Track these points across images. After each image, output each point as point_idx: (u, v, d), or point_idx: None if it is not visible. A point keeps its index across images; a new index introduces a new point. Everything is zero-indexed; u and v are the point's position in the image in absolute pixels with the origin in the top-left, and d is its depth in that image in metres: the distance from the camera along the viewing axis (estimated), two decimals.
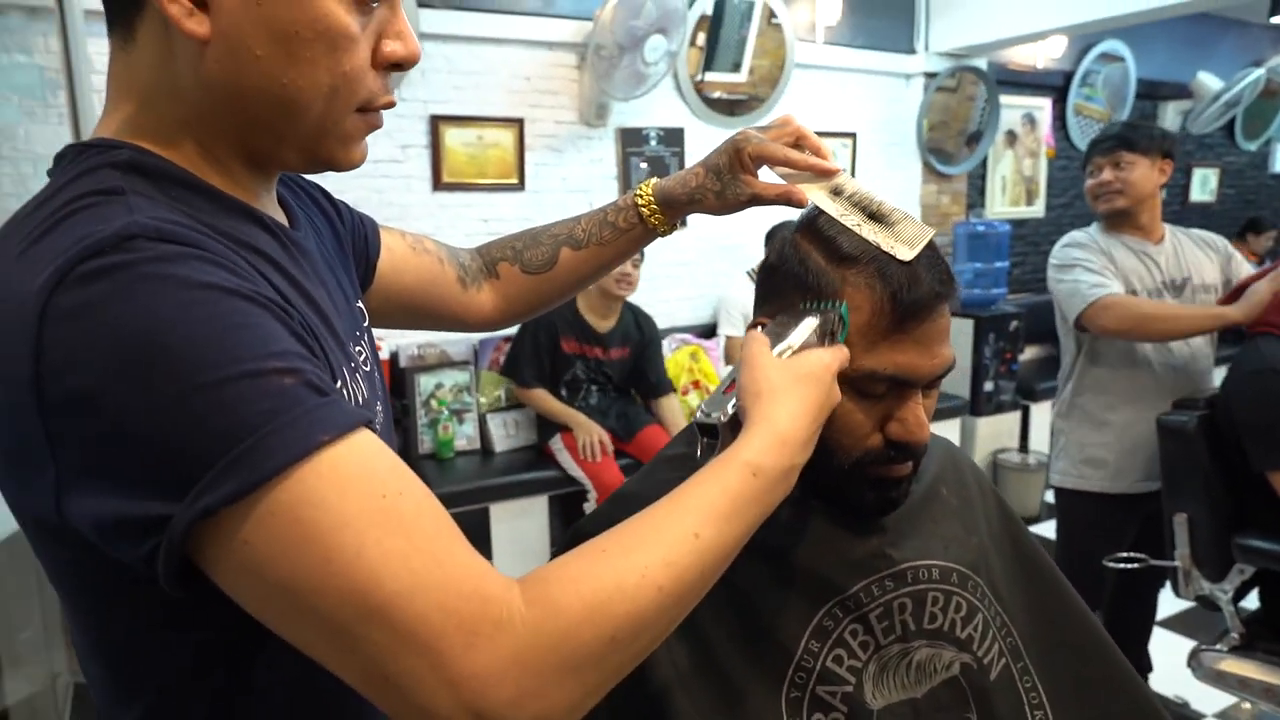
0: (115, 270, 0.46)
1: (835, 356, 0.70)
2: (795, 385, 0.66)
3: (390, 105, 0.61)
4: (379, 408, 0.72)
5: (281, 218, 0.66)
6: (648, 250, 3.61)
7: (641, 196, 0.95)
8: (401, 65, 0.60)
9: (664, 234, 0.98)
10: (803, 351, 0.71)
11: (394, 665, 0.45)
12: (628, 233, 0.97)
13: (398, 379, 3.12)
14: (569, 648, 0.48)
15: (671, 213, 0.96)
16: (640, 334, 3.11)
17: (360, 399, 0.64)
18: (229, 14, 0.52)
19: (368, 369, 0.71)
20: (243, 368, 0.46)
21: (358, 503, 0.46)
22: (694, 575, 0.54)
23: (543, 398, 3.00)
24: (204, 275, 0.48)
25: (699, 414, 0.71)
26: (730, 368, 0.74)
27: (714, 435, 0.69)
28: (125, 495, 0.46)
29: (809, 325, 0.73)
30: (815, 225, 0.80)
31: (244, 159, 0.60)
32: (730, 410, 0.68)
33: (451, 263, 0.96)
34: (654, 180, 0.97)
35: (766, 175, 0.90)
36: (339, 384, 0.58)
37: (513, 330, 3.32)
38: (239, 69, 0.54)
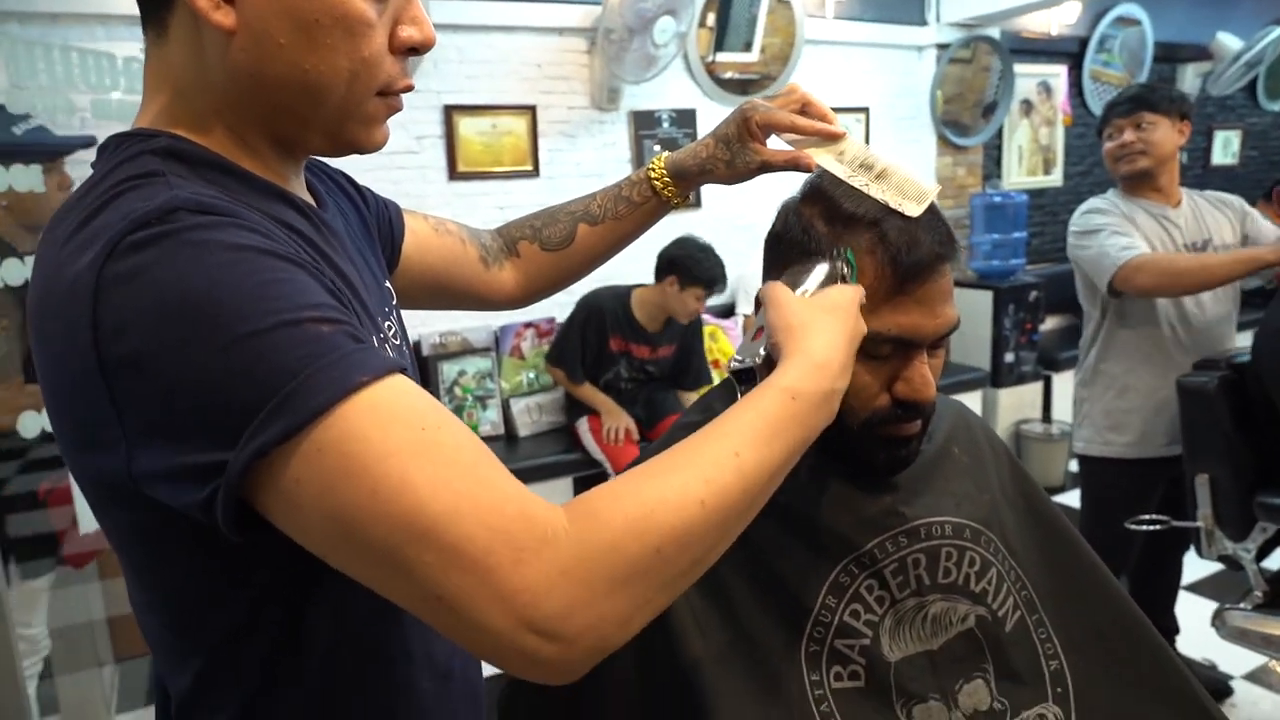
0: (161, 239, 0.49)
1: (856, 290, 0.72)
2: (824, 315, 0.68)
3: (409, 89, 0.64)
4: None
5: (310, 200, 0.69)
6: (666, 231, 3.62)
7: (654, 170, 0.98)
8: (418, 50, 0.63)
9: (677, 206, 1.00)
10: (823, 290, 0.73)
11: (446, 584, 0.47)
12: (642, 206, 0.99)
13: (421, 367, 3.17)
14: (616, 559, 0.49)
15: (684, 184, 0.98)
16: (684, 324, 3.10)
17: None
18: (253, 6, 0.56)
19: (397, 342, 0.74)
20: (281, 318, 0.49)
21: (399, 435, 0.49)
22: (736, 493, 0.54)
23: (589, 392, 3.04)
24: (241, 239, 0.51)
25: (732, 362, 0.72)
26: (756, 318, 0.77)
27: (750, 380, 0.70)
28: (183, 446, 0.49)
29: (821, 270, 0.75)
30: (816, 193, 0.82)
31: (272, 143, 0.63)
32: (764, 352, 0.70)
33: (473, 243, 0.99)
34: (666, 154, 0.99)
35: (775, 144, 0.92)
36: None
37: (535, 315, 3.36)
38: (263, 57, 0.57)
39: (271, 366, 0.48)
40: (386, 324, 0.72)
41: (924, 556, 0.84)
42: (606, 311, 2.97)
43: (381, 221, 0.88)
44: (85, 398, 0.51)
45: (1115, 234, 2.03)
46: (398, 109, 0.65)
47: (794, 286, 0.74)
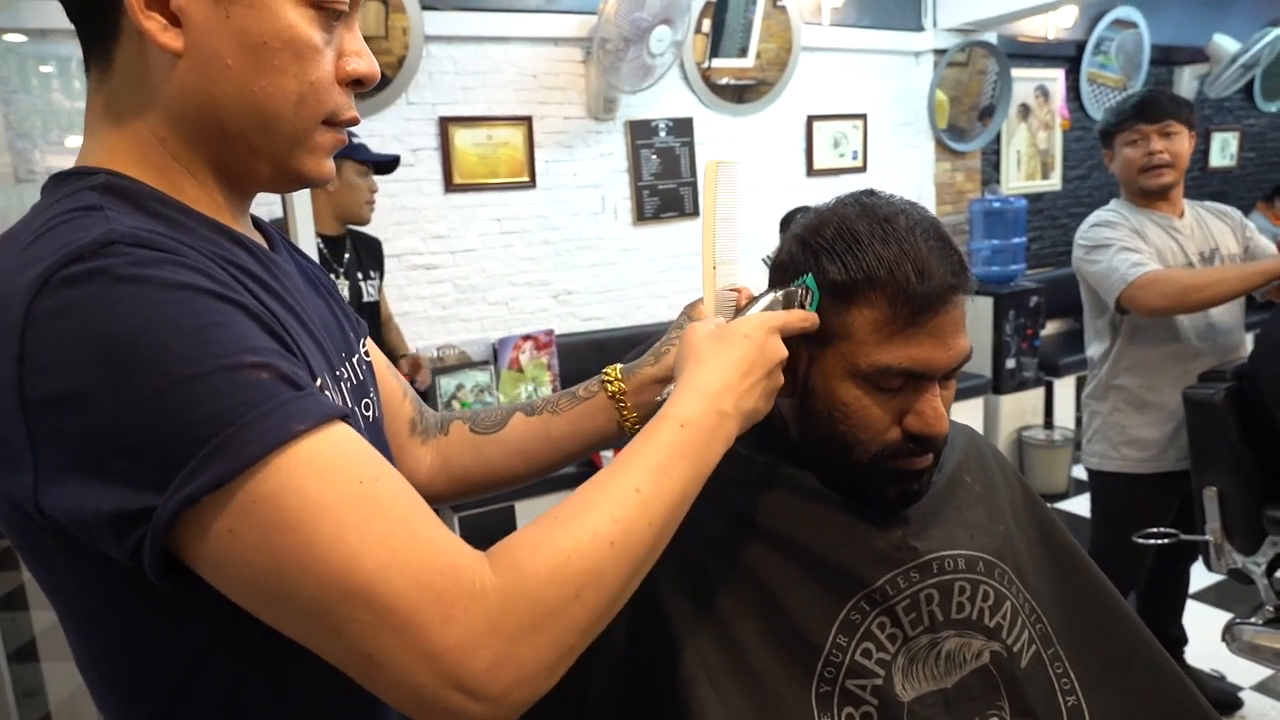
0: (95, 275, 0.48)
1: (774, 316, 0.73)
2: (715, 346, 0.70)
3: (355, 121, 0.64)
4: (369, 415, 0.73)
5: (259, 240, 0.67)
6: (663, 242, 3.61)
7: (607, 372, 0.90)
8: (362, 82, 0.63)
9: (623, 406, 0.87)
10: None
11: (375, 643, 0.47)
12: (585, 400, 0.89)
13: None
14: (538, 609, 0.50)
15: (634, 382, 0.87)
16: None
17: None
18: (201, 28, 0.56)
19: (356, 382, 0.72)
20: (219, 362, 0.48)
21: (336, 488, 0.48)
22: (642, 528, 0.57)
23: None
24: (179, 277, 0.50)
25: (659, 398, 0.75)
26: None
27: None
28: (107, 490, 0.48)
29: (765, 300, 0.77)
30: (821, 222, 0.80)
31: (219, 175, 0.62)
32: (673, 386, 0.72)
33: (413, 404, 0.91)
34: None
35: None
36: (318, 383, 0.59)
37: (534, 328, 3.34)
38: (211, 79, 0.57)
39: (206, 412, 0.47)
40: (342, 369, 0.69)
41: (937, 592, 0.82)
42: None
43: (346, 322, 0.79)
44: (2, 431, 0.49)
45: (1124, 250, 1.98)
46: (343, 143, 0.65)
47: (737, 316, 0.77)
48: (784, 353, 0.72)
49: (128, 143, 0.59)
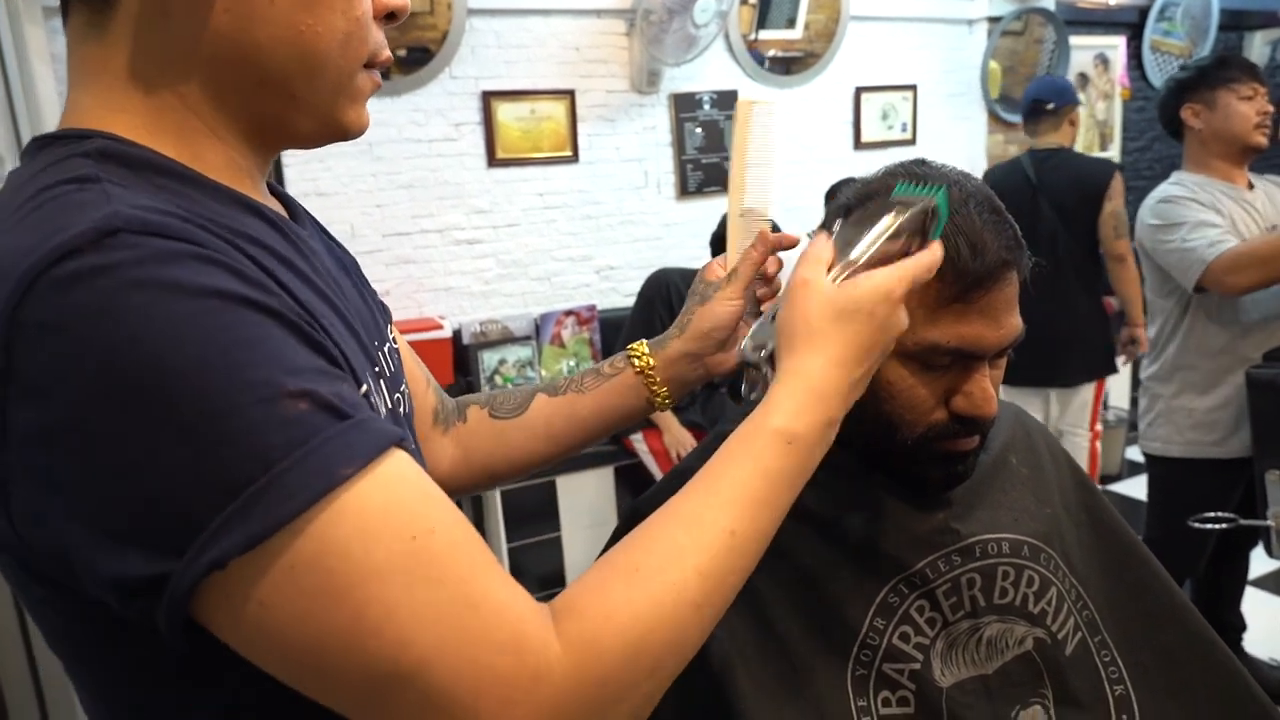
0: (97, 275, 0.40)
1: (901, 278, 0.60)
2: (835, 325, 0.59)
3: (389, 62, 0.59)
4: (401, 411, 0.68)
5: (280, 210, 0.60)
6: (707, 217, 3.58)
7: (634, 348, 0.86)
8: (395, 16, 0.58)
9: (653, 382, 0.84)
10: (860, 273, 0.61)
11: None
12: (611, 378, 0.85)
13: (461, 355, 3.16)
14: (610, 690, 0.45)
15: (662, 356, 0.84)
16: None
17: (384, 409, 0.59)
18: None
19: (389, 374, 0.66)
20: (253, 394, 0.41)
21: (387, 548, 0.43)
22: (731, 578, 0.52)
23: None
24: (201, 279, 0.42)
25: (745, 348, 0.67)
26: (772, 304, 0.69)
27: (756, 374, 0.66)
28: (110, 549, 0.41)
29: (881, 230, 0.63)
30: (868, 192, 0.77)
31: (246, 131, 0.55)
32: (771, 347, 0.64)
33: (435, 393, 0.86)
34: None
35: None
36: (363, 389, 0.52)
37: (576, 303, 3.34)
38: (253, 17, 0.50)
39: (236, 456, 0.40)
40: (379, 364, 0.63)
41: (979, 576, 0.79)
42: (673, 287, 2.80)
43: (374, 306, 0.75)
44: None
45: (1199, 226, 1.90)
46: (379, 86, 0.59)
47: (845, 248, 0.63)
48: (905, 325, 0.62)
49: (135, 100, 0.51)
